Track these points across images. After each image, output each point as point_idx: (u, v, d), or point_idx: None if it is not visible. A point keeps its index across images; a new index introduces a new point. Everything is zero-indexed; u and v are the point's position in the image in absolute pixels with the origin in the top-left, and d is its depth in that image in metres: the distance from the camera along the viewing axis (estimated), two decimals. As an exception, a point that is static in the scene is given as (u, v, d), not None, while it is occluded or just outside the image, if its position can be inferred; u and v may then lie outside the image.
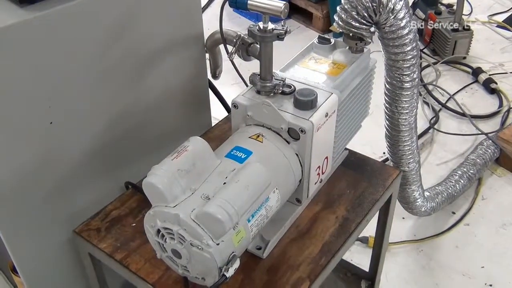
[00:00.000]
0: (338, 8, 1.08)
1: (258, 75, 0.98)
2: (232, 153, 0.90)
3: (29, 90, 0.94)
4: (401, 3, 1.05)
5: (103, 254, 1.00)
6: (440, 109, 2.45)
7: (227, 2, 0.93)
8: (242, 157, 0.89)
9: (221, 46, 1.25)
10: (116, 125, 1.13)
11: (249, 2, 0.91)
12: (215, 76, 1.39)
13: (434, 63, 2.73)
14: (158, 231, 0.83)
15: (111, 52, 1.05)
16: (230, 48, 1.08)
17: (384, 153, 2.14)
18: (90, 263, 1.08)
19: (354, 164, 1.18)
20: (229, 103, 1.47)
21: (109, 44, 1.03)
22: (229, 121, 1.33)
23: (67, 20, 0.95)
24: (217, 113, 1.49)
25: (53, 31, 0.94)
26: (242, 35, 1.02)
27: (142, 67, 1.13)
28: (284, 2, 0.88)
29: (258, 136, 0.94)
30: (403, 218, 1.86)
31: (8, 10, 0.91)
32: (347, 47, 1.12)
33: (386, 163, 1.65)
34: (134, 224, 1.05)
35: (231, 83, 2.08)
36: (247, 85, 1.06)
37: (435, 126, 2.33)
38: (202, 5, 2.85)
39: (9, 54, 0.89)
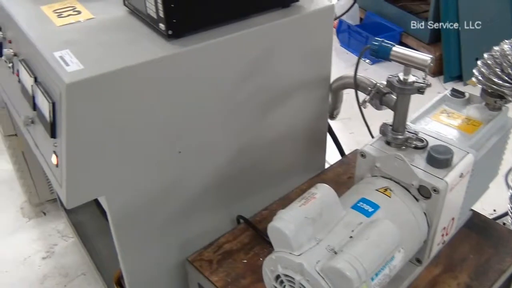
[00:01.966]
0: (479, 62, 1.02)
1: (390, 125, 0.95)
2: (358, 205, 0.87)
3: (164, 119, 0.98)
4: (551, 62, 0.97)
5: (214, 287, 1.01)
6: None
7: (368, 50, 0.91)
8: (369, 210, 0.86)
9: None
10: (237, 159, 1.15)
11: (392, 52, 0.89)
12: (332, 116, 1.38)
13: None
14: (278, 276, 0.82)
15: (244, 88, 1.07)
16: (361, 95, 1.06)
17: (494, 210, 2.00)
18: (197, 293, 1.10)
19: (478, 227, 1.11)
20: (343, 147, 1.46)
21: (244, 80, 1.06)
22: (343, 164, 1.31)
23: (209, 55, 0.99)
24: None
25: (195, 65, 0.98)
26: (377, 84, 1.00)
27: (270, 104, 1.14)
28: (431, 56, 0.85)
29: (386, 189, 0.90)
30: None
31: (157, 44, 0.96)
32: (483, 103, 1.06)
33: (498, 220, 1.53)
34: (245, 261, 1.05)
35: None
36: (371, 135, 1.04)
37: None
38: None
39: (155, 85, 0.94)
